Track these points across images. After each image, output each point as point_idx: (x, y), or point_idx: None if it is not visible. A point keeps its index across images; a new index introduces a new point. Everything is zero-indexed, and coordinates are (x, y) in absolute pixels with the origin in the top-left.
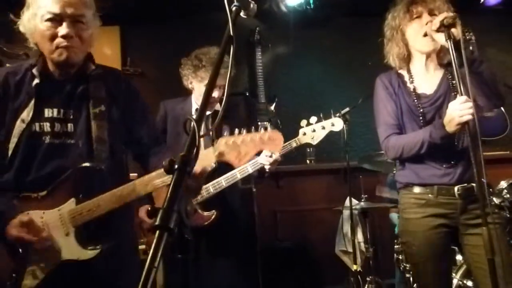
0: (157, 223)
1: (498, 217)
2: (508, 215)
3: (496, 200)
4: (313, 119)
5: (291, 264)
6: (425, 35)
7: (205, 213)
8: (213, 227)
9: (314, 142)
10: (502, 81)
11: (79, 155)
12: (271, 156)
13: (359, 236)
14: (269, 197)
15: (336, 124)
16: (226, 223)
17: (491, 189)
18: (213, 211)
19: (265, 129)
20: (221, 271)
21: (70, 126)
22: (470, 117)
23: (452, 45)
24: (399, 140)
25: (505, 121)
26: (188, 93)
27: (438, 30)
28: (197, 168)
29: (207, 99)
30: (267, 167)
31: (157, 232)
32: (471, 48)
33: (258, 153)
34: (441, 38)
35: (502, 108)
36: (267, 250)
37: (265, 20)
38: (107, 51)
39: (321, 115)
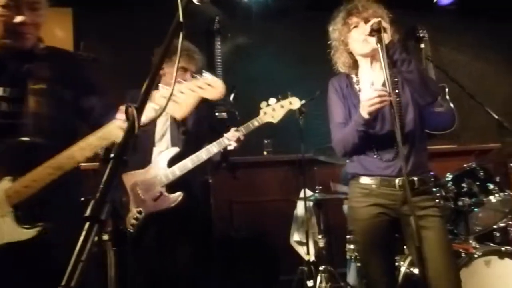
0: (87, 214)
1: (438, 210)
2: (453, 206)
3: (442, 191)
4: (272, 100)
5: (246, 254)
6: (363, 40)
7: (171, 195)
8: (172, 216)
9: (275, 121)
10: (436, 81)
11: (26, 133)
12: (237, 130)
13: (313, 227)
14: (225, 188)
15: (294, 102)
16: (184, 213)
17: (437, 181)
18: (180, 192)
19: (202, 76)
20: (179, 260)
21: (17, 106)
22: (378, 105)
23: (383, 47)
24: (339, 137)
25: (454, 116)
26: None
27: (370, 35)
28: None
29: (150, 87)
30: (231, 146)
31: (87, 224)
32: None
33: (221, 134)
34: (373, 41)
35: (451, 104)
36: (223, 240)
37: (225, 9)
38: (58, 33)
39: (279, 96)
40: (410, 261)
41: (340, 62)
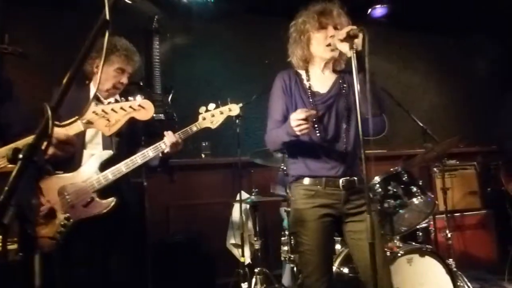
0: None
1: (371, 206)
2: (379, 207)
3: (370, 194)
4: (211, 105)
5: (183, 258)
6: (328, 45)
7: (103, 201)
8: (104, 222)
9: (214, 126)
10: (380, 87)
11: None
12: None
13: (249, 229)
14: (162, 191)
15: (233, 109)
16: (117, 219)
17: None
18: (113, 198)
19: (135, 98)
20: (111, 268)
21: None
22: (303, 132)
23: (355, 54)
24: (272, 134)
25: (384, 122)
26: (86, 79)
27: (343, 40)
28: (61, 135)
29: (68, 85)
30: (167, 149)
31: None
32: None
33: (157, 137)
34: (344, 48)
35: None
36: (159, 244)
37: (165, 8)
38: None
39: (219, 102)
40: (341, 261)
41: (298, 54)
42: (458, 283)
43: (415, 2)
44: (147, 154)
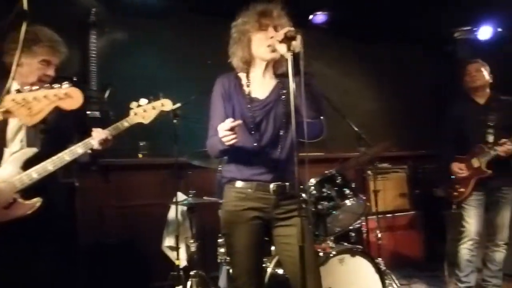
0: None
1: (303, 211)
2: (314, 209)
3: (304, 196)
4: (143, 100)
5: (116, 261)
6: (268, 46)
7: (27, 202)
8: (28, 225)
9: (146, 122)
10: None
11: None
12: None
13: (186, 231)
14: (96, 192)
15: (166, 104)
16: (43, 221)
17: (301, 186)
18: (38, 198)
19: (61, 85)
20: (38, 273)
21: None
22: (231, 142)
23: (291, 56)
24: (210, 141)
25: (322, 125)
26: (7, 72)
27: (281, 41)
28: None
29: None
30: (96, 146)
31: None
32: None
33: (85, 132)
34: (282, 49)
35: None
36: (92, 247)
37: (103, 2)
38: None
39: (151, 97)
40: (276, 262)
41: (238, 55)
42: (387, 281)
43: (355, 10)
44: (75, 151)
